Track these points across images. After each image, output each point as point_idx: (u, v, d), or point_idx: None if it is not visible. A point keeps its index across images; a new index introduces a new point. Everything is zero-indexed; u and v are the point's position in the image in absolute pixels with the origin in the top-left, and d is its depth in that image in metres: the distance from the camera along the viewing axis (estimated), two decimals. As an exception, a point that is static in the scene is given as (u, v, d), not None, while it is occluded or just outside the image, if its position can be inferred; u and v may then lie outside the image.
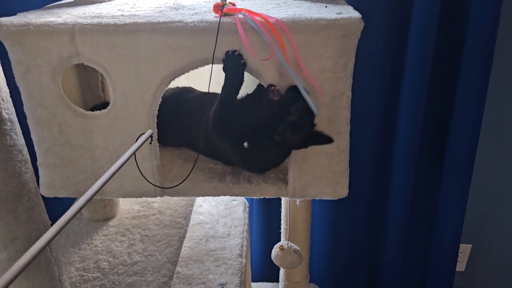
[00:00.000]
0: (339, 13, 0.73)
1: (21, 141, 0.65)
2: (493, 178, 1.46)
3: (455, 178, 1.36)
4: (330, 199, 0.86)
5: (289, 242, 1.08)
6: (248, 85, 1.10)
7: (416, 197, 1.41)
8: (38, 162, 0.84)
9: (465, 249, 1.60)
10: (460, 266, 1.63)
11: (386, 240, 1.50)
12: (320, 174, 0.84)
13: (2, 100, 0.60)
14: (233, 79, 0.77)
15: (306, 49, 0.72)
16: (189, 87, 1.04)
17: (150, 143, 0.78)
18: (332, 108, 0.78)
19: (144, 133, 0.71)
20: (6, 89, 0.62)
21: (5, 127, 0.60)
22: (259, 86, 0.81)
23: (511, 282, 1.65)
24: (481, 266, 1.63)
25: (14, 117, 0.64)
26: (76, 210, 0.41)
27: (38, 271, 0.71)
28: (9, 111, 0.62)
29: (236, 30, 0.70)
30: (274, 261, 1.07)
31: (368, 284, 1.60)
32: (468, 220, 1.45)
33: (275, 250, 1.08)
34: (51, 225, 0.75)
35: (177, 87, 1.03)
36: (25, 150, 0.66)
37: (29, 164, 0.68)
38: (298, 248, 1.07)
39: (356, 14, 0.72)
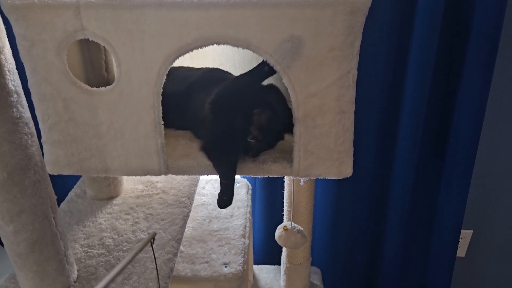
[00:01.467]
0: (347, -11, 0.72)
1: (27, 114, 0.65)
2: (495, 164, 1.46)
3: (457, 163, 1.36)
4: (334, 178, 0.86)
5: (292, 222, 1.09)
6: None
7: (418, 182, 1.41)
8: (43, 139, 0.84)
9: (466, 235, 1.60)
10: (461, 251, 1.64)
11: (388, 224, 1.50)
12: (325, 155, 0.83)
13: (9, 71, 0.59)
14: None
15: (316, 25, 0.71)
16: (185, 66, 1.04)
17: (151, 244, 0.79)
18: (338, 87, 0.78)
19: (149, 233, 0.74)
20: (12, 61, 0.62)
21: (12, 98, 0.60)
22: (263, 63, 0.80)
23: (511, 267, 1.66)
24: (481, 252, 1.64)
25: (20, 89, 0.63)
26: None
27: (44, 245, 0.71)
28: (15, 83, 0.61)
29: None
30: (277, 241, 1.08)
31: (369, 267, 1.61)
32: (469, 206, 1.45)
33: (278, 231, 1.08)
34: (57, 200, 0.76)
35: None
36: (31, 123, 0.66)
37: (35, 138, 0.68)
38: (302, 229, 1.08)
39: (363, -9, 0.71)
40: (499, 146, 1.43)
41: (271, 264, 1.49)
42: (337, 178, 0.86)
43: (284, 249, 1.28)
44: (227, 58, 1.12)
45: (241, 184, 1.31)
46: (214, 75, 0.98)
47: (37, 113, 0.82)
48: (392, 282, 1.60)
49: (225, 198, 0.82)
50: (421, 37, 1.18)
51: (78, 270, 0.83)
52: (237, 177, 1.33)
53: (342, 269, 1.60)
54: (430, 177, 1.42)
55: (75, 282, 0.80)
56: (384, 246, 1.55)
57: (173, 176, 0.89)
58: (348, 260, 1.58)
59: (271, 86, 0.89)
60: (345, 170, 0.85)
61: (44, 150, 0.85)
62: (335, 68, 0.75)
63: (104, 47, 0.79)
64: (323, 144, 0.82)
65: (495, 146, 1.43)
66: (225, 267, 1.00)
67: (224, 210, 1.20)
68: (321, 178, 0.87)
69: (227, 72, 1.00)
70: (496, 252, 1.64)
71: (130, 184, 1.11)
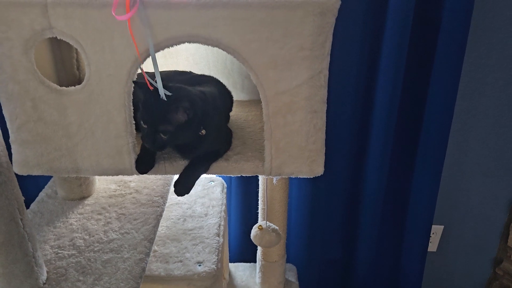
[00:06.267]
0: (317, -9, 0.73)
1: (-9, 114, 0.63)
2: (464, 161, 1.50)
3: (427, 161, 1.39)
4: (306, 177, 0.87)
5: (267, 222, 1.10)
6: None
7: (390, 179, 1.44)
8: (11, 139, 0.82)
9: (437, 230, 1.64)
10: (432, 246, 1.68)
11: (361, 221, 1.53)
12: (296, 153, 0.84)
13: (-29, 70, 0.58)
14: None
15: (285, 26, 0.72)
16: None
17: None
18: (309, 87, 0.78)
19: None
20: (-25, 60, 0.60)
21: (-25, 99, 0.59)
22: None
23: (480, 261, 1.71)
24: (452, 246, 1.68)
25: (-16, 89, 0.62)
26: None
27: (11, 247, 0.70)
28: (-21, 83, 0.60)
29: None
30: (253, 241, 1.09)
31: (343, 263, 1.63)
32: (440, 202, 1.49)
33: (254, 230, 1.09)
34: (25, 202, 0.74)
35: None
36: (-4, 124, 0.65)
37: (1, 139, 0.66)
38: (277, 228, 1.09)
39: (333, -8, 0.72)
40: (468, 143, 1.47)
41: (247, 262, 1.49)
42: (309, 177, 0.87)
43: (259, 247, 1.29)
44: (201, 57, 1.12)
45: (216, 183, 1.31)
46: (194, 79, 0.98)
47: (4, 112, 0.80)
48: (366, 276, 1.63)
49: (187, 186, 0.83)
50: (392, 40, 1.20)
51: (47, 272, 0.82)
52: (213, 175, 1.33)
53: (317, 265, 1.62)
54: (402, 174, 1.44)
55: (44, 283, 0.79)
56: (358, 242, 1.58)
57: (147, 175, 0.89)
58: (323, 256, 1.60)
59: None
60: (317, 168, 0.86)
61: (12, 150, 0.83)
62: (305, 67, 0.76)
63: (74, 46, 0.78)
64: (294, 142, 0.83)
65: (464, 143, 1.47)
66: (199, 266, 1.00)
67: (198, 209, 1.20)
68: (293, 177, 0.88)
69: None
70: (466, 246, 1.68)
71: (103, 184, 1.09)
